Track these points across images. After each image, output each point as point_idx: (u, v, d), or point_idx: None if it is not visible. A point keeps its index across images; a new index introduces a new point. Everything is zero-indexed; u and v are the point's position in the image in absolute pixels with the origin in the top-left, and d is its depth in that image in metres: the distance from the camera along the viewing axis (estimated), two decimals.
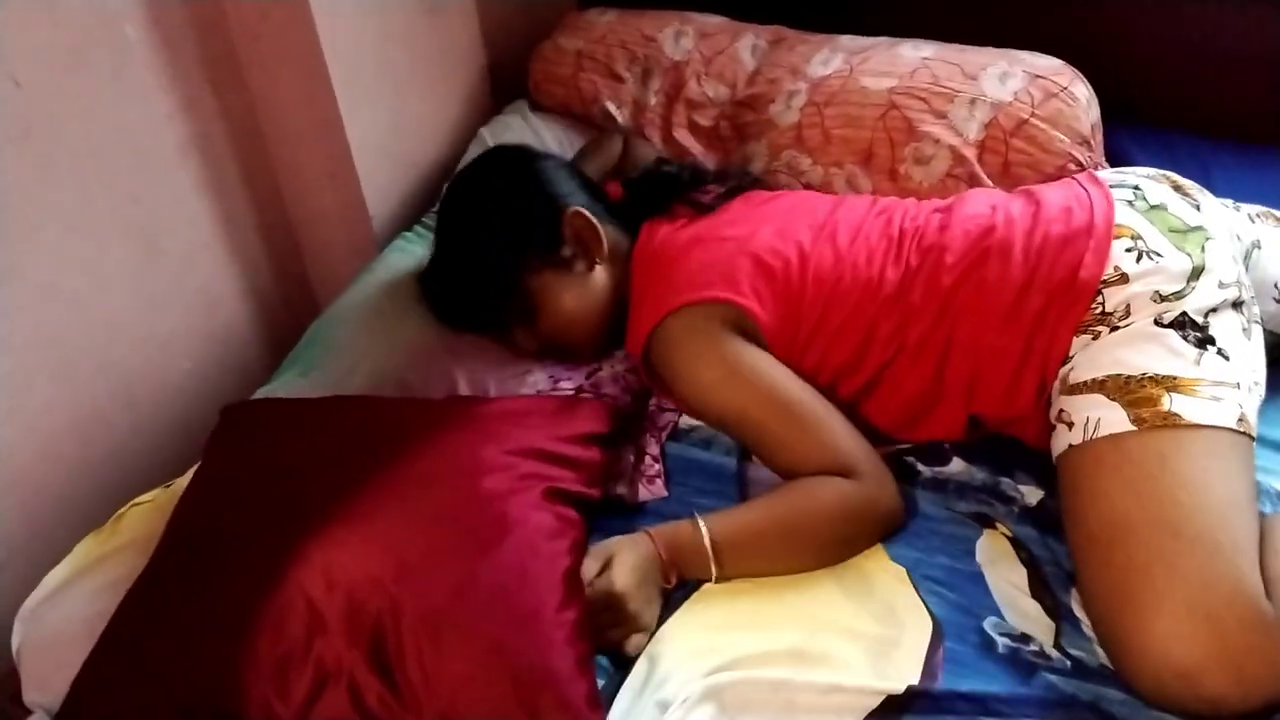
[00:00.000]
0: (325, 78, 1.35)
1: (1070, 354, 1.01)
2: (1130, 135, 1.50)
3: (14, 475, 1.17)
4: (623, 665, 0.89)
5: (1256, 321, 1.03)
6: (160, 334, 1.33)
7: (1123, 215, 1.05)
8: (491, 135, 1.62)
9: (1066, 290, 1.02)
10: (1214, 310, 0.99)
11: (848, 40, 1.53)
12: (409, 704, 0.81)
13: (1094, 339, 1.00)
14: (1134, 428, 0.92)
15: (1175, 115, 1.56)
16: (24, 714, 0.93)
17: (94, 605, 0.93)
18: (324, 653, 0.82)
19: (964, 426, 1.09)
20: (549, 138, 1.64)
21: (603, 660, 0.89)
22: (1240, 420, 0.92)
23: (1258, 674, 0.80)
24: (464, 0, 1.63)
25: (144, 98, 1.25)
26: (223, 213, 1.40)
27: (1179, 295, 0.99)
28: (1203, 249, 1.02)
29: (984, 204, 1.14)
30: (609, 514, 1.02)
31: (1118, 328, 0.99)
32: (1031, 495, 1.05)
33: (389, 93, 1.48)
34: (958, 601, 0.93)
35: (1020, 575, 0.96)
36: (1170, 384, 0.93)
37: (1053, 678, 0.87)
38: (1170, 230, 1.04)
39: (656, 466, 1.09)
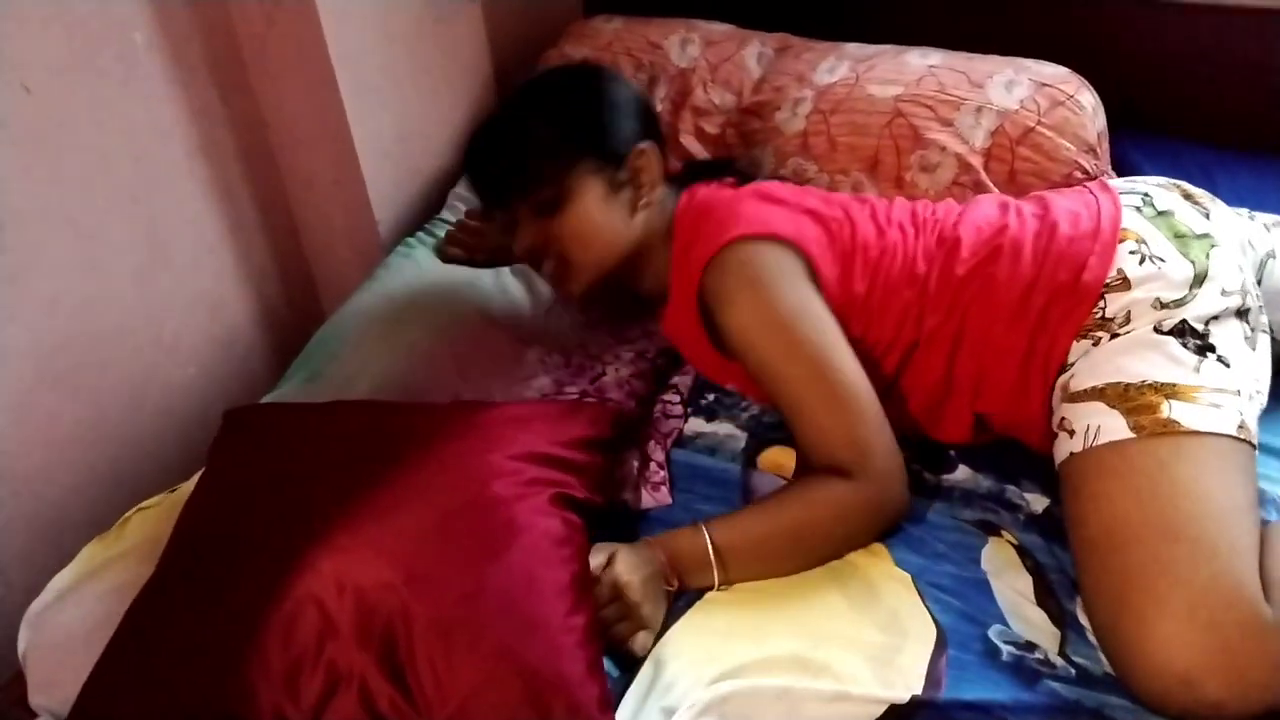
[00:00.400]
0: (332, 84, 1.35)
1: (1070, 360, 1.01)
2: (1136, 143, 1.50)
3: (20, 480, 1.17)
4: (628, 668, 0.89)
5: (1264, 331, 1.03)
6: (166, 339, 1.33)
7: (1129, 220, 1.06)
8: None
9: (1070, 291, 1.02)
10: (1215, 318, 0.99)
11: (854, 48, 1.53)
12: (421, 708, 0.81)
13: (1094, 345, 1.00)
14: (1133, 435, 0.92)
15: (1182, 123, 1.56)
16: (30, 718, 0.93)
17: (99, 610, 0.93)
18: (335, 657, 0.83)
19: (971, 427, 1.09)
20: None
21: (607, 662, 0.89)
22: (1240, 427, 0.92)
23: (1257, 677, 0.80)
24: (471, 7, 1.64)
25: (152, 104, 1.26)
26: (229, 218, 1.41)
27: (1180, 302, 0.99)
28: (1207, 256, 1.02)
29: (996, 205, 1.15)
30: (613, 520, 1.02)
31: (1118, 334, 0.99)
32: (1037, 503, 1.05)
33: (395, 99, 1.48)
34: (963, 609, 0.93)
35: (1026, 583, 0.96)
36: (1169, 391, 0.93)
37: (1056, 685, 0.86)
38: (1175, 236, 1.04)
39: (662, 473, 1.09)
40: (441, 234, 1.47)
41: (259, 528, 0.92)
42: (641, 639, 0.90)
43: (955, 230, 1.10)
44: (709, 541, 0.95)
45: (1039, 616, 0.93)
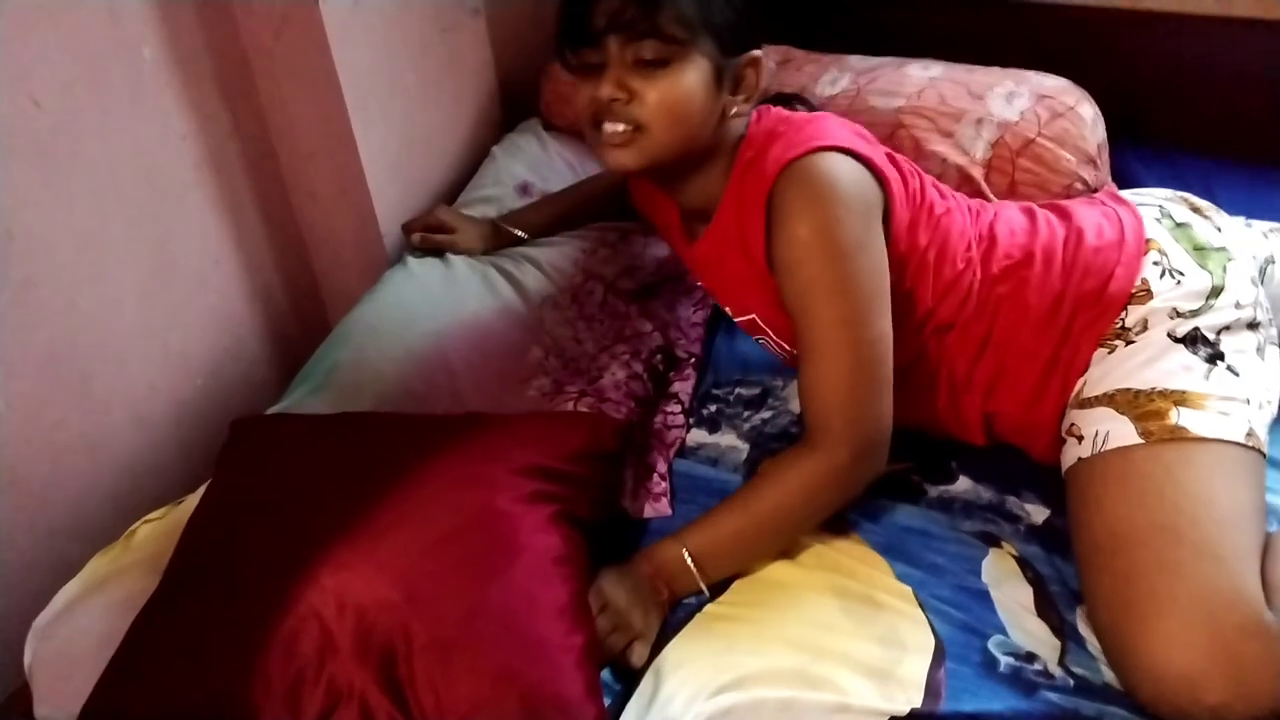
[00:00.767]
0: (339, 97, 1.36)
1: (1089, 368, 1.02)
2: (1136, 154, 1.51)
3: (27, 491, 1.18)
4: (627, 681, 0.90)
5: (1274, 343, 1.04)
6: (172, 350, 1.34)
7: (1151, 230, 1.07)
8: (503, 154, 1.63)
9: (1096, 301, 1.03)
10: (1227, 328, 1.00)
11: (855, 60, 1.54)
12: None
13: (1109, 353, 1.01)
14: (1141, 441, 0.93)
15: (1180, 134, 1.56)
16: None
17: (105, 622, 0.94)
18: (336, 673, 0.83)
19: (981, 425, 1.09)
20: (560, 158, 1.66)
21: (606, 676, 0.90)
22: (1249, 434, 0.93)
23: (1258, 681, 0.80)
24: (476, 20, 1.65)
25: (160, 118, 1.27)
26: (236, 230, 1.42)
27: (1195, 312, 1.00)
28: (1224, 269, 1.03)
29: (1023, 211, 1.14)
30: (611, 530, 1.02)
31: (1132, 342, 1.00)
32: (1038, 514, 1.05)
33: (401, 112, 1.49)
34: (964, 621, 0.93)
35: (1026, 594, 0.96)
36: (1179, 398, 0.94)
37: (1053, 695, 0.86)
38: (1195, 248, 1.05)
39: (663, 484, 1.10)
40: None
41: (263, 541, 0.92)
42: (638, 650, 0.91)
43: (991, 229, 1.10)
44: (684, 548, 0.95)
45: (1039, 627, 0.93)
